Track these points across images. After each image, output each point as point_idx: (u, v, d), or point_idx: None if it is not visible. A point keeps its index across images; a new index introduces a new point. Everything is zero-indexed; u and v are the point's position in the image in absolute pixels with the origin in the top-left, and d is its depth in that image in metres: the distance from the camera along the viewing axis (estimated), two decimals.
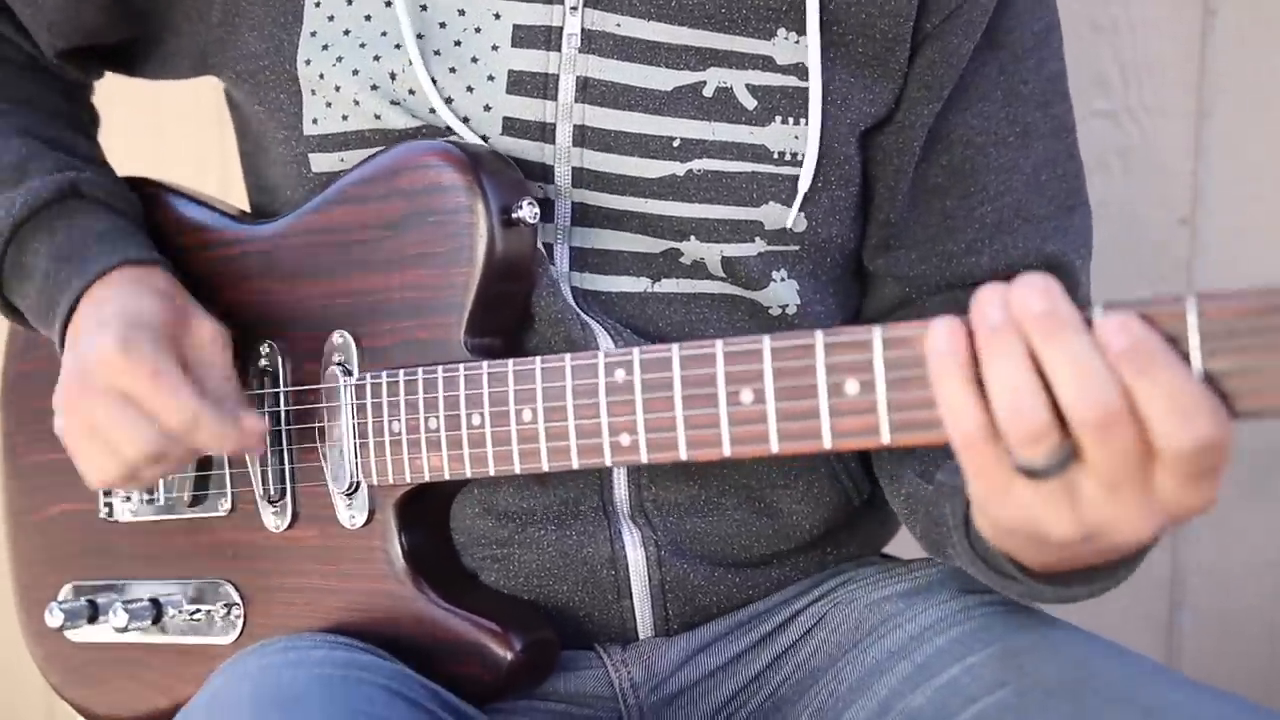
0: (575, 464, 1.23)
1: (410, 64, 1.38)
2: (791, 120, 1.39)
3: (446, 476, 1.31)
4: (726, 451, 1.14)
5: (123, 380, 1.30)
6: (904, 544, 1.55)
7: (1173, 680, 1.25)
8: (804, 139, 1.39)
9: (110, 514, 1.54)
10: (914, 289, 1.48)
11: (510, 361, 1.26)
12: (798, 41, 1.39)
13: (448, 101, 1.38)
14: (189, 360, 1.35)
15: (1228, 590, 2.09)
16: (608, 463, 1.21)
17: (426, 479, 1.32)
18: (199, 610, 1.47)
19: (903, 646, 1.37)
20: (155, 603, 1.48)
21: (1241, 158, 2.01)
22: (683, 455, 1.17)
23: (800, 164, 1.39)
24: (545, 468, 1.25)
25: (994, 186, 1.45)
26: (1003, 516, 1.05)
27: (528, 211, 1.32)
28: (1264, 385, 0.93)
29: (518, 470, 1.26)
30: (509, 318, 1.35)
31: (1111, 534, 1.02)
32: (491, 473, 1.28)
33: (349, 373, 1.37)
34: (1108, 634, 1.35)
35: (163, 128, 2.20)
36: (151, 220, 1.52)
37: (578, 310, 1.37)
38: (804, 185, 1.39)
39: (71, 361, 1.35)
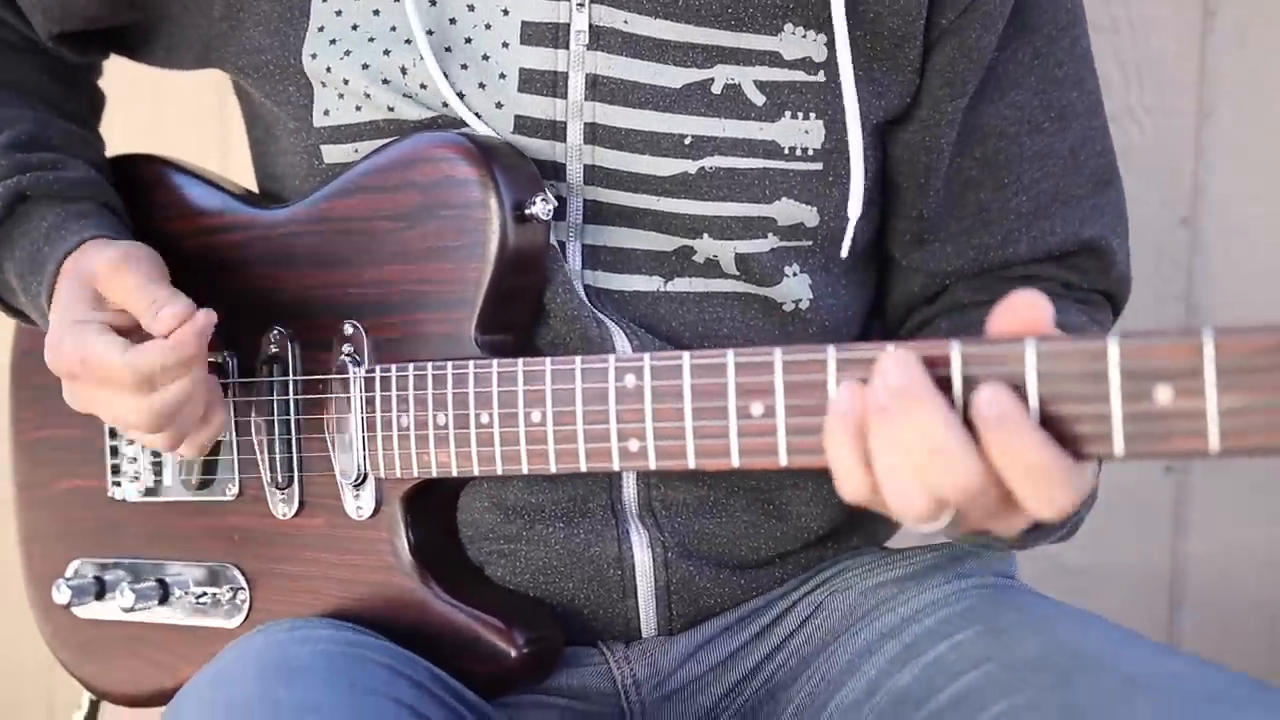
0: (583, 467, 1.24)
1: (421, 59, 1.37)
2: (801, 115, 1.39)
3: (454, 473, 1.31)
4: (735, 463, 1.14)
5: (81, 379, 1.36)
6: (905, 539, 1.56)
7: (1155, 649, 1.27)
8: (814, 134, 1.39)
9: (118, 493, 1.55)
10: (951, 279, 1.49)
11: (520, 361, 1.27)
12: (804, 36, 1.39)
13: (460, 96, 1.38)
14: (112, 301, 1.37)
15: (1228, 589, 2.10)
16: (616, 467, 1.22)
17: (434, 474, 1.33)
18: (205, 593, 1.48)
19: (893, 628, 1.38)
20: (162, 583, 1.49)
21: (1241, 158, 2.01)
22: (691, 464, 1.17)
23: (812, 159, 1.39)
24: (553, 469, 1.25)
25: (1029, 175, 1.46)
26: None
27: (541, 207, 1.32)
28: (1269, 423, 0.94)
29: (525, 470, 1.27)
30: (521, 313, 1.36)
31: (993, 533, 1.09)
32: (499, 471, 1.28)
33: (359, 363, 1.38)
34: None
35: (162, 124, 2.19)
36: (161, 200, 1.52)
37: (593, 309, 1.37)
38: (856, 188, 1.40)
39: (45, 358, 1.40)
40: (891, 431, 1.02)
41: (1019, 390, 1.00)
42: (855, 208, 1.40)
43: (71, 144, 1.52)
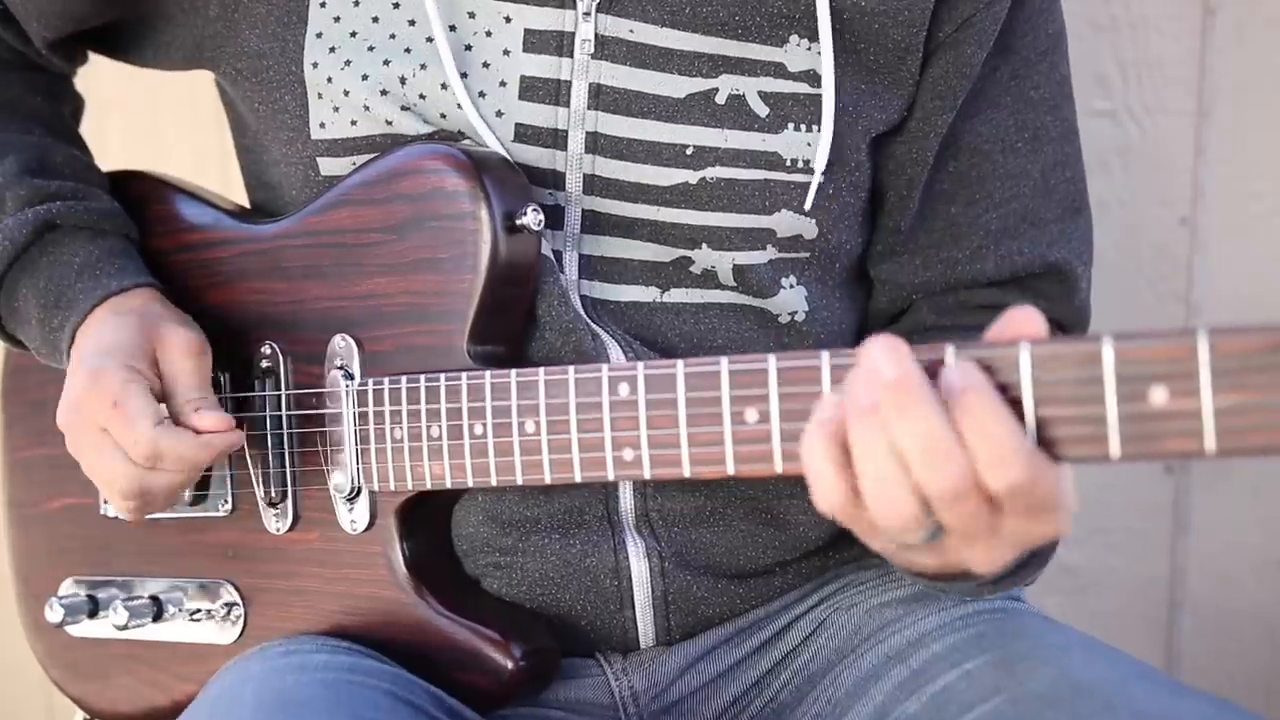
0: (578, 477, 1.23)
1: (423, 68, 1.37)
2: (804, 127, 1.38)
3: (449, 485, 1.31)
4: (730, 470, 1.14)
5: (94, 414, 1.35)
6: None
7: (1168, 687, 1.25)
8: (816, 146, 1.38)
9: (110, 510, 1.54)
10: (917, 294, 1.48)
11: (513, 372, 1.26)
12: (809, 48, 1.38)
13: (457, 106, 1.37)
14: (163, 371, 1.38)
15: (1228, 590, 2.09)
16: (611, 477, 1.21)
17: (428, 487, 1.32)
18: (199, 609, 1.47)
19: (900, 652, 1.37)
20: (156, 600, 1.48)
21: (1241, 158, 2.01)
22: (686, 472, 1.16)
23: (813, 171, 1.38)
24: (548, 480, 1.25)
25: (1000, 193, 1.45)
26: (874, 547, 1.11)
27: (532, 218, 1.31)
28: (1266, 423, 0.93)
29: (520, 481, 1.26)
30: (513, 325, 1.35)
31: (970, 566, 1.06)
32: (494, 483, 1.28)
33: (351, 377, 1.37)
34: (1107, 634, 1.35)
35: (162, 128, 2.18)
36: (152, 216, 1.51)
37: (588, 321, 1.36)
38: (812, 191, 1.38)
39: (64, 394, 1.38)
40: (880, 429, 1.00)
41: (1013, 394, 0.99)
42: (807, 208, 1.39)
43: (77, 169, 1.52)
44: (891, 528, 1.02)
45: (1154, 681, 1.26)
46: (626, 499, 1.39)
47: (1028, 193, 1.46)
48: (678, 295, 1.40)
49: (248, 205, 1.58)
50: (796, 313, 1.42)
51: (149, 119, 2.13)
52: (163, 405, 1.36)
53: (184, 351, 1.38)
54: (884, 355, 1.00)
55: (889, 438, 1.00)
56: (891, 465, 1.00)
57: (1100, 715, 1.20)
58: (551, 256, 1.37)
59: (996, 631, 1.35)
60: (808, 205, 1.38)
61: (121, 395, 1.33)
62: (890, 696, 1.34)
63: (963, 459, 0.98)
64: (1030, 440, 0.98)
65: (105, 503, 1.54)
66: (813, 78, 1.38)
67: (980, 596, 1.37)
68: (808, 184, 1.38)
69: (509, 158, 1.36)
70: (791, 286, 1.41)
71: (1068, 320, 1.51)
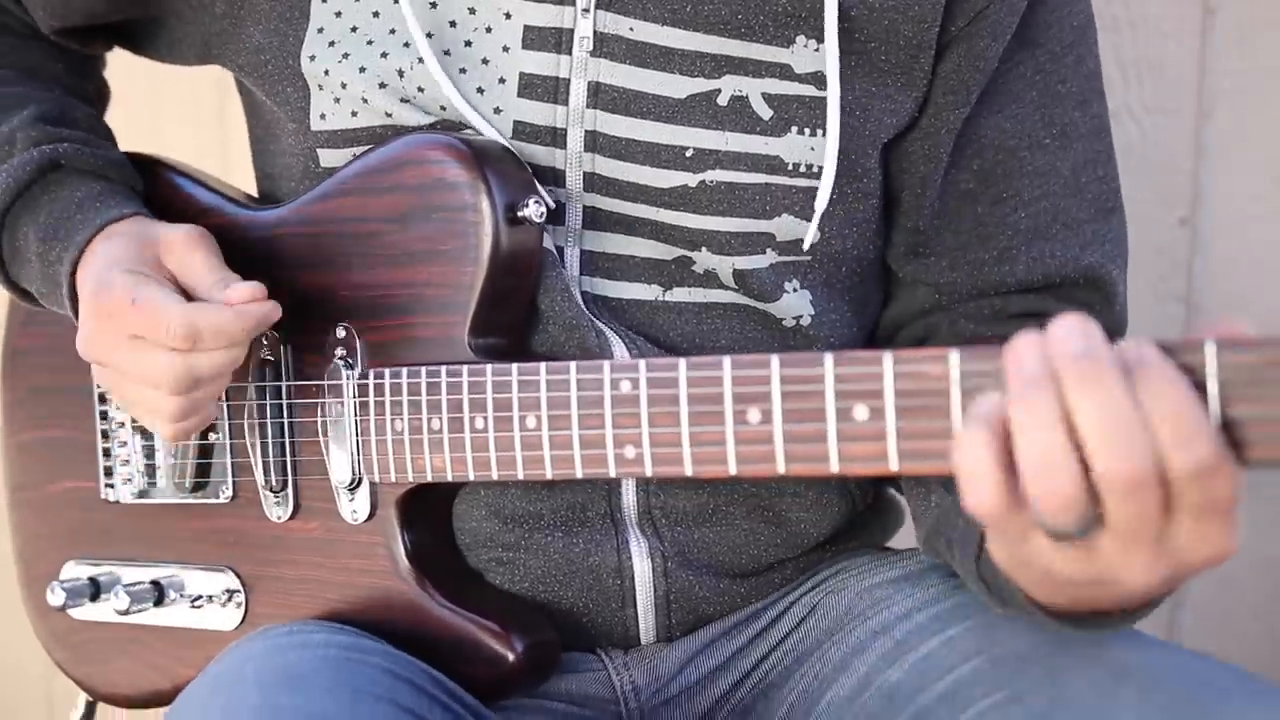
0: (580, 473, 1.23)
1: (420, 61, 1.36)
2: (808, 131, 1.36)
3: (449, 478, 1.31)
4: (732, 470, 1.14)
5: (116, 321, 1.31)
6: (903, 543, 1.56)
7: (1146, 640, 1.26)
8: (820, 150, 1.37)
9: (111, 494, 1.54)
10: (945, 296, 1.45)
11: (514, 367, 1.26)
12: (817, 49, 1.36)
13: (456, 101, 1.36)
14: (174, 272, 1.35)
15: (1228, 590, 2.09)
16: (612, 474, 1.21)
17: (429, 479, 1.32)
18: (201, 595, 1.47)
19: (885, 626, 1.38)
20: (157, 585, 1.49)
21: (1241, 158, 2.01)
22: (688, 471, 1.16)
23: (816, 175, 1.37)
24: (549, 475, 1.25)
25: (1028, 191, 1.42)
26: (1016, 554, 1.05)
27: (534, 209, 1.31)
28: None
29: (521, 476, 1.26)
30: (514, 317, 1.35)
31: (1122, 581, 1.01)
32: (495, 477, 1.28)
33: (352, 367, 1.37)
34: None
35: (163, 125, 2.19)
36: (155, 199, 1.51)
37: (592, 317, 1.36)
38: (821, 201, 1.36)
39: (79, 328, 1.36)
40: (1053, 401, 0.94)
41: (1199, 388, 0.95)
42: (811, 231, 1.37)
43: (94, 126, 1.52)
44: (1050, 506, 0.95)
45: (1135, 637, 1.26)
46: (629, 496, 1.39)
47: (1058, 191, 1.42)
48: (680, 294, 1.40)
49: (255, 195, 1.58)
50: (802, 317, 1.41)
51: (149, 113, 2.13)
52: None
53: (187, 247, 1.36)
54: (1072, 327, 0.96)
55: (1064, 409, 0.94)
56: (1060, 437, 0.94)
57: (1080, 665, 1.21)
58: (554, 251, 1.37)
59: (979, 602, 1.34)
60: (816, 214, 1.37)
61: (137, 292, 1.30)
62: (873, 667, 1.35)
63: (1147, 442, 0.93)
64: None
65: (107, 486, 1.54)
66: (819, 80, 1.36)
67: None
68: (810, 188, 1.37)
69: (507, 147, 1.36)
70: (795, 291, 1.40)
71: (1108, 329, 1.46)
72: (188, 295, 1.34)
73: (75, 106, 1.53)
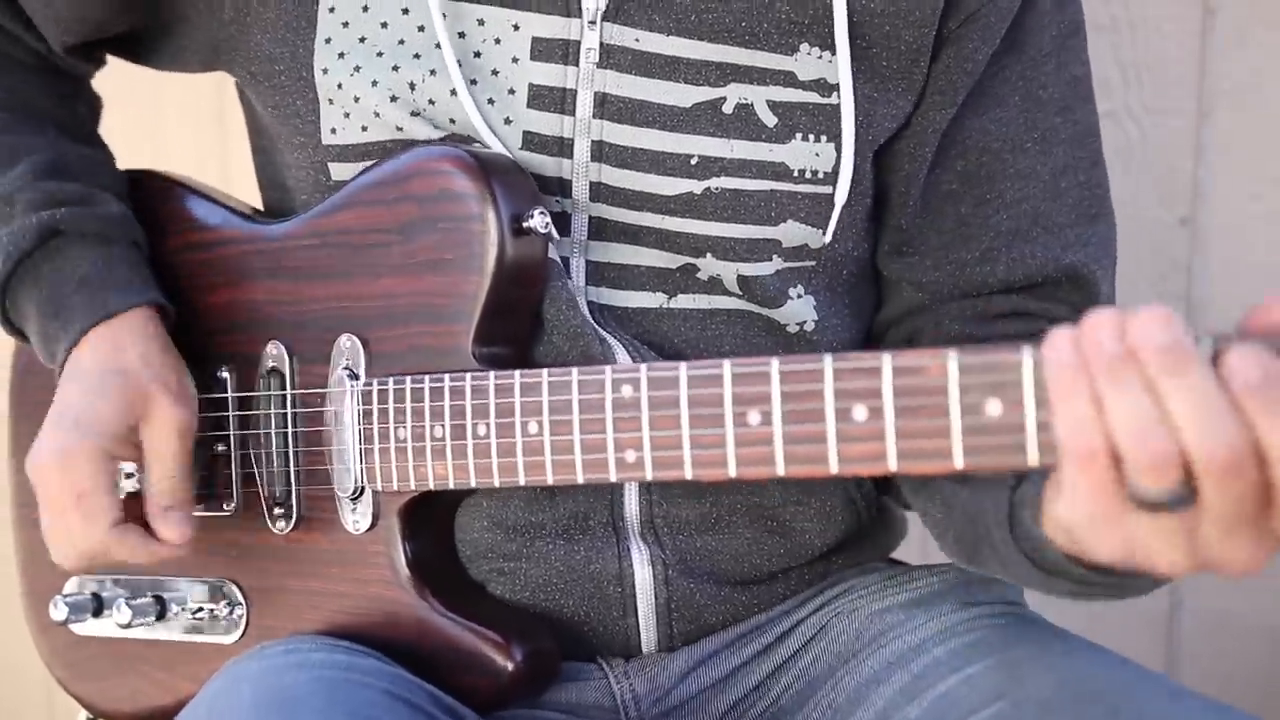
0: (581, 479, 1.23)
1: (432, 74, 1.37)
2: (812, 137, 1.37)
3: (451, 485, 1.31)
4: (732, 473, 1.14)
5: (59, 495, 1.39)
6: (907, 553, 1.56)
7: (1169, 690, 1.25)
8: (825, 156, 1.37)
9: None
10: (929, 295, 1.46)
11: (517, 373, 1.26)
12: (820, 57, 1.37)
13: (467, 112, 1.36)
14: (146, 446, 1.40)
15: (1228, 590, 2.09)
16: (613, 479, 1.21)
17: (431, 487, 1.32)
18: (202, 609, 1.47)
19: (901, 657, 1.37)
20: (159, 600, 1.49)
21: (1241, 158, 2.01)
22: (688, 474, 1.16)
23: (821, 181, 1.37)
24: (550, 481, 1.25)
25: (1010, 193, 1.43)
26: (1104, 547, 1.01)
27: (539, 220, 1.31)
28: None
29: (522, 482, 1.26)
30: (519, 327, 1.35)
31: (1221, 569, 0.98)
32: (496, 484, 1.28)
33: (356, 377, 1.37)
34: (1107, 633, 1.35)
35: (163, 128, 2.19)
36: (161, 215, 1.52)
37: (596, 326, 1.36)
38: (838, 208, 1.37)
39: (38, 444, 1.41)
40: (1142, 386, 0.93)
41: None
42: (828, 235, 1.38)
43: (91, 170, 1.52)
44: (1146, 467, 0.93)
45: (1157, 686, 1.25)
46: (631, 505, 1.39)
47: (1038, 194, 1.43)
48: (684, 301, 1.40)
49: (260, 206, 1.58)
50: (805, 322, 1.41)
51: (149, 119, 2.13)
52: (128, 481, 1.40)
53: (169, 430, 1.40)
54: (1155, 320, 0.93)
55: (1153, 395, 0.93)
56: (1151, 407, 0.93)
57: (1104, 717, 1.19)
58: (559, 261, 1.37)
59: (998, 637, 1.35)
60: (832, 221, 1.38)
61: (87, 487, 1.37)
62: (891, 702, 1.34)
63: (1241, 424, 0.91)
64: None
65: None
66: (823, 86, 1.37)
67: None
68: (815, 194, 1.37)
69: (513, 159, 1.36)
70: (799, 296, 1.41)
71: None
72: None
73: (68, 150, 1.52)
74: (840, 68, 1.36)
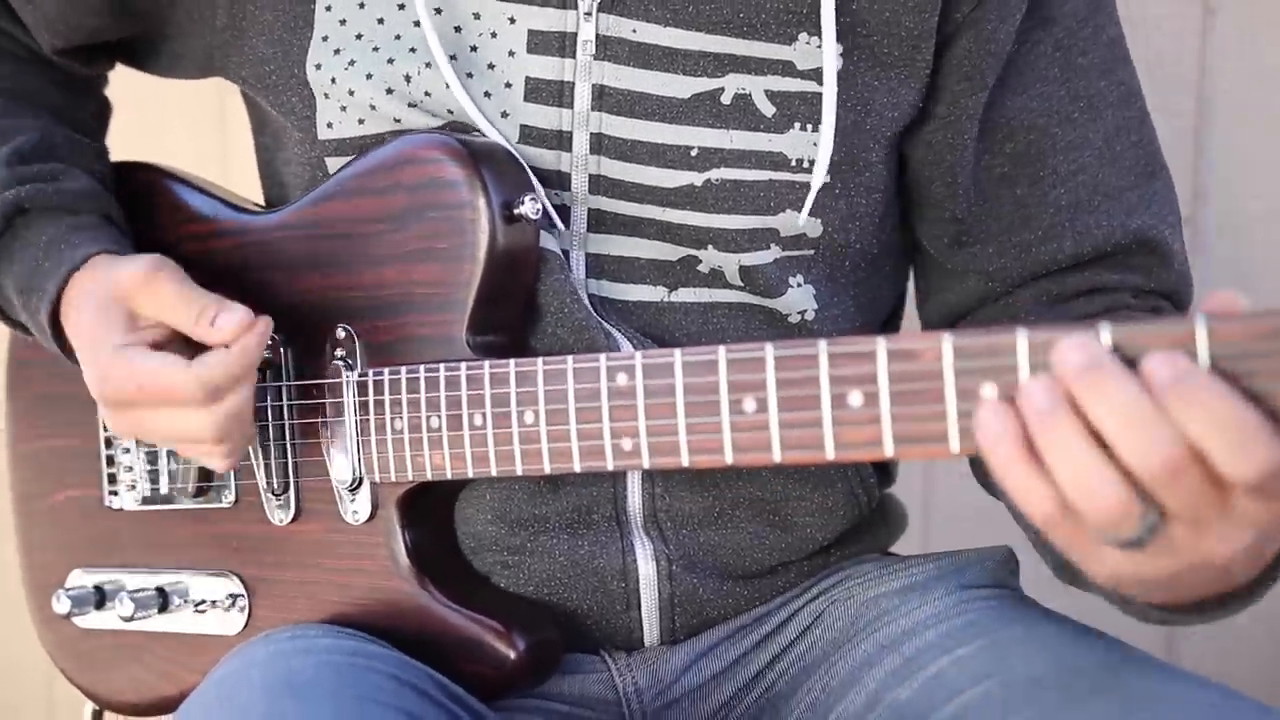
0: (578, 467, 1.23)
1: (428, 66, 1.36)
2: (810, 127, 1.36)
3: (449, 475, 1.31)
4: (729, 459, 1.13)
5: (133, 407, 1.34)
6: (907, 545, 1.56)
7: (1160, 670, 1.25)
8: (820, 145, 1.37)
9: (115, 501, 1.55)
10: (999, 283, 1.45)
11: (512, 362, 1.26)
12: (818, 46, 1.36)
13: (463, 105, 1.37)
14: (151, 318, 1.35)
15: None
16: (610, 467, 1.21)
17: (429, 477, 1.32)
18: (204, 601, 1.48)
19: (894, 640, 1.37)
20: (161, 592, 1.49)
21: (1241, 158, 2.01)
22: (685, 461, 1.16)
23: (816, 172, 1.37)
24: (547, 470, 1.24)
25: (1064, 167, 1.41)
26: (1102, 574, 1.04)
27: (530, 206, 1.30)
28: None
29: (519, 471, 1.26)
30: (513, 315, 1.35)
31: (1211, 561, 0.99)
32: (493, 473, 1.28)
33: (352, 367, 1.37)
34: (1107, 629, 1.35)
35: (163, 128, 2.19)
36: (155, 207, 1.52)
37: (600, 319, 1.36)
38: (810, 194, 1.36)
39: (90, 387, 1.37)
40: (1070, 420, 0.94)
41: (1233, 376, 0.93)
42: (803, 218, 1.37)
43: (76, 152, 1.51)
44: (1104, 523, 0.95)
45: (1148, 665, 1.26)
46: (635, 498, 1.39)
47: (1094, 163, 1.42)
48: (685, 294, 1.40)
49: (262, 202, 1.58)
50: (806, 311, 1.41)
51: (149, 119, 2.13)
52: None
53: (149, 286, 1.33)
54: (1072, 347, 0.94)
55: (1085, 423, 0.94)
56: (1090, 453, 0.94)
57: (1092, 696, 1.20)
58: (561, 254, 1.37)
59: (990, 619, 1.35)
60: (806, 208, 1.37)
61: (137, 374, 1.32)
62: (882, 684, 1.34)
63: (1170, 427, 0.91)
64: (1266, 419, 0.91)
65: (111, 494, 1.55)
66: (821, 76, 1.36)
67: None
68: (811, 184, 1.37)
69: (504, 147, 1.36)
70: (799, 285, 1.40)
71: (1169, 290, 1.45)
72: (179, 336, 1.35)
73: (56, 132, 1.51)
74: (826, 53, 1.35)
